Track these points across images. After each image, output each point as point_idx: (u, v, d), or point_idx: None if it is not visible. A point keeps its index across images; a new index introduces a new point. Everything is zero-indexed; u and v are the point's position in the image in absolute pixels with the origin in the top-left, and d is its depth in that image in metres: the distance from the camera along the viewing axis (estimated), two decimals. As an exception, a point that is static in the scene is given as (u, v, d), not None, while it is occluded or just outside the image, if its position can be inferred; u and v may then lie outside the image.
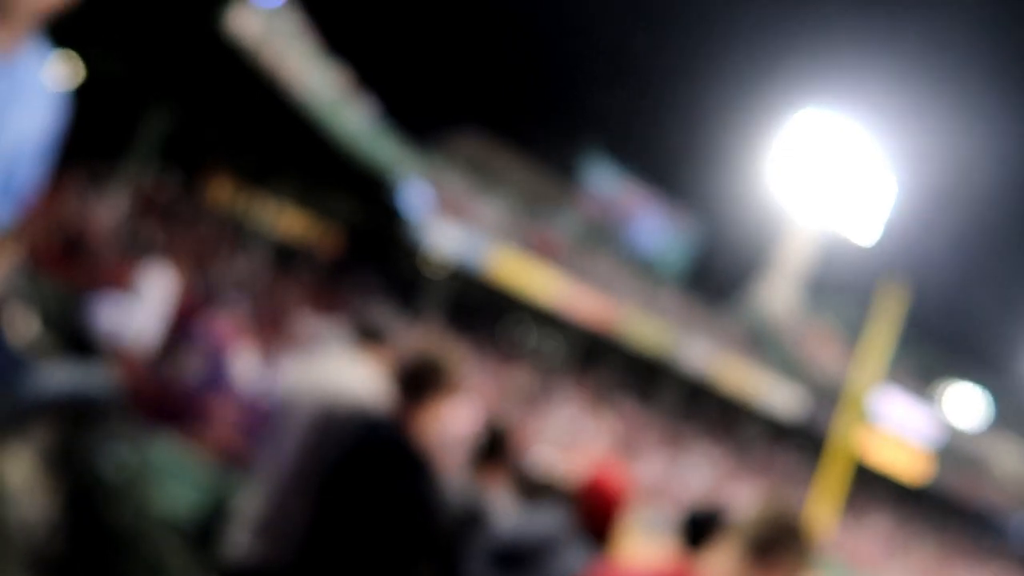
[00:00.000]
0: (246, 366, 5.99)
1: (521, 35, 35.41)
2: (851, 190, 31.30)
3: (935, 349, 35.40)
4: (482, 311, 25.86)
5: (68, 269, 8.74)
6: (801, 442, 30.83)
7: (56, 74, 1.40)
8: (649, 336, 25.18)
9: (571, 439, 21.14)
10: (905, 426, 30.74)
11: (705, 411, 29.43)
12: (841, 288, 34.79)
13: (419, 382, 1.96)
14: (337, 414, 2.12)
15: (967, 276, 33.94)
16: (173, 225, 14.75)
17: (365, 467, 1.93)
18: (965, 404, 36.18)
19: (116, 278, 8.57)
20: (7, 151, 1.13)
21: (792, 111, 30.84)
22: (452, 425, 2.14)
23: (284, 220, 22.89)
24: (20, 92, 1.14)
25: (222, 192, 22.36)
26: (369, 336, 2.35)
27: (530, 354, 25.86)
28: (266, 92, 12.95)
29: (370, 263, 23.07)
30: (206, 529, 3.42)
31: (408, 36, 31.75)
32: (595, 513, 1.83)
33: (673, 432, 26.26)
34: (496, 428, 2.43)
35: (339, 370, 2.27)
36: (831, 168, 30.85)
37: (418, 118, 23.82)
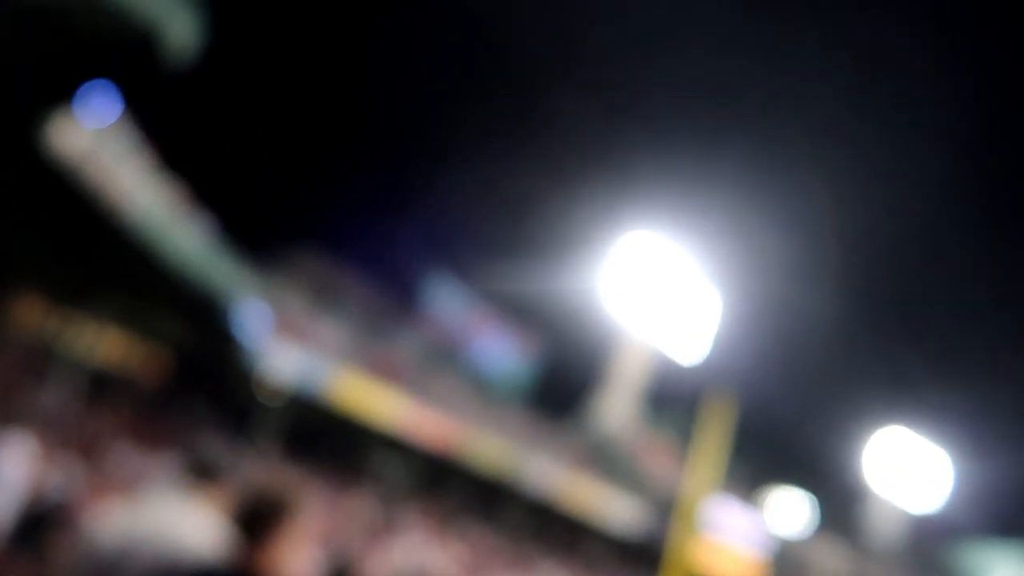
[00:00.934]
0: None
1: (361, 153, 35.94)
2: (678, 308, 33.33)
3: (761, 457, 37.52)
4: (322, 437, 24.66)
5: None
6: (644, 556, 31.13)
7: None
8: (493, 456, 24.94)
9: (417, 568, 20.10)
10: (736, 534, 31.88)
11: (551, 530, 29.19)
12: (675, 400, 36.49)
13: (259, 521, 1.79)
14: (176, 570, 1.87)
15: (790, 386, 36.60)
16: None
17: None
18: (791, 510, 38.35)
19: None
20: None
21: (622, 232, 32.82)
22: (296, 563, 1.90)
23: (103, 344, 21.14)
24: None
25: (30, 313, 20.45)
26: (201, 475, 2.17)
27: (373, 480, 24.79)
28: (87, 208, 12.16)
29: (200, 390, 21.57)
30: None
31: (246, 151, 31.33)
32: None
33: (520, 554, 25.72)
34: (340, 563, 2.24)
35: (172, 517, 2.03)
36: (659, 287, 32.83)
37: (255, 235, 23.23)
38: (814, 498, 39.70)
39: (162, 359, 23.12)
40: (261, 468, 16.84)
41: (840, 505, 41.34)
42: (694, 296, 33.69)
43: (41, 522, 4.96)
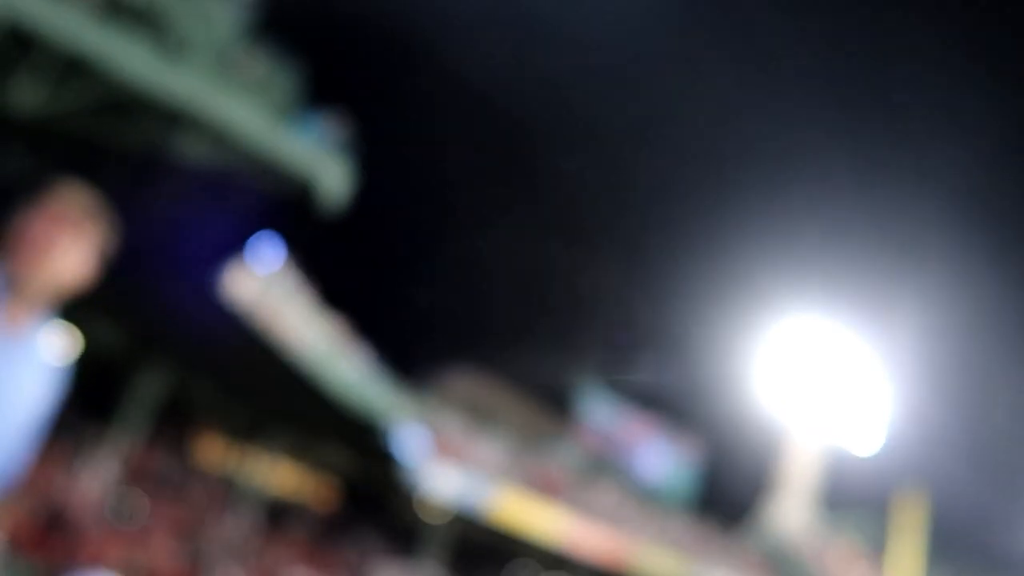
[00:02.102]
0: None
1: (504, 274, 36.98)
2: (847, 396, 31.19)
3: (966, 560, 33.56)
4: (486, 555, 24.50)
5: (48, 546, 8.30)
6: None
7: (58, 347, 1.38)
8: (664, 569, 23.74)
9: None
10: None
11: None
12: (855, 501, 33.60)
13: None
14: None
15: (988, 480, 32.97)
16: (162, 491, 14.31)
17: None
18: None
19: (98, 553, 8.14)
20: (9, 426, 1.11)
21: (781, 319, 31.38)
22: None
23: (277, 475, 22.29)
24: (24, 367, 1.14)
25: (212, 451, 21.97)
26: None
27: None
28: (260, 349, 13.15)
29: (367, 513, 22.17)
30: None
31: (399, 284, 33.06)
32: None
33: None
34: None
35: None
36: (824, 374, 30.93)
37: (411, 361, 24.10)
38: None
39: (331, 486, 24.03)
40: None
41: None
42: (864, 382, 31.44)
43: None
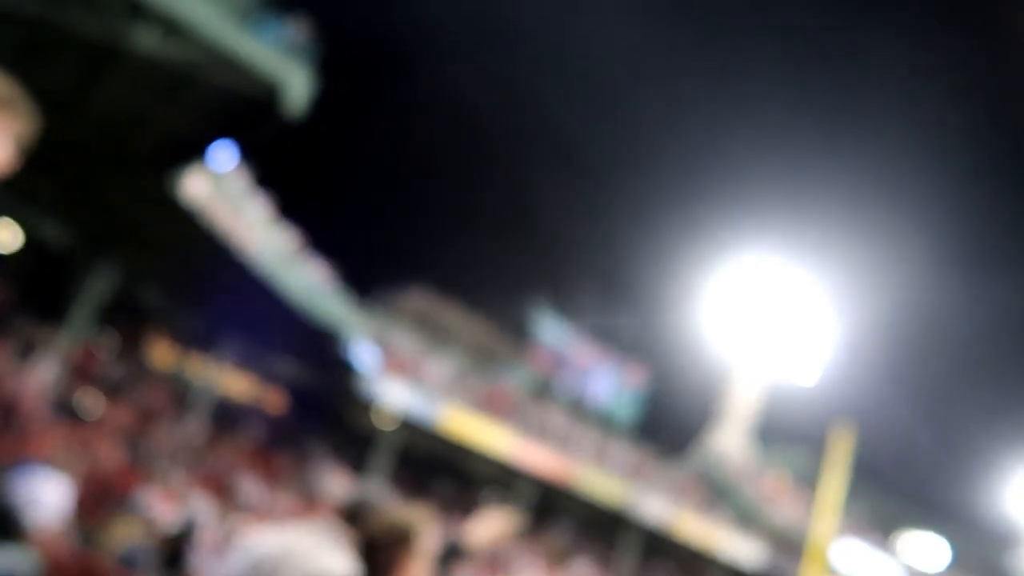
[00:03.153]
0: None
1: (462, 193, 36.75)
2: (792, 334, 32.05)
3: (891, 497, 35.41)
4: (434, 465, 25.11)
5: (-6, 440, 8.27)
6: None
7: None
8: (605, 489, 24.63)
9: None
10: (866, 572, 30.11)
11: (665, 564, 28.45)
12: (792, 437, 35.01)
13: (389, 551, 1.85)
14: None
15: (917, 418, 34.46)
16: (110, 391, 14.24)
17: None
18: (924, 552, 35.72)
19: (44, 451, 8.12)
20: None
21: (733, 256, 31.89)
22: None
23: (228, 381, 22.33)
24: None
25: (164, 354, 21.87)
26: (340, 513, 2.18)
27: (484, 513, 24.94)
28: (212, 251, 12.97)
29: (317, 421, 22.45)
30: None
31: (354, 197, 32.64)
32: None
33: (634, 592, 25.18)
34: None
35: (312, 541, 2.09)
36: (770, 311, 31.70)
37: (366, 279, 24.03)
38: (951, 539, 36.90)
39: (282, 393, 24.20)
40: (387, 499, 17.24)
41: (983, 546, 38.29)
42: (808, 319, 32.30)
43: (182, 542, 5.28)
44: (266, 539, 2.18)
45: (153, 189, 11.18)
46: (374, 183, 33.88)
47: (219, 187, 12.09)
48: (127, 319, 18.38)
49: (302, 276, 15.44)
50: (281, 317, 15.66)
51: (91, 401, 12.72)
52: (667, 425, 33.53)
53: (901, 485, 35.49)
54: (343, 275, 17.73)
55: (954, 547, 36.20)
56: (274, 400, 24.43)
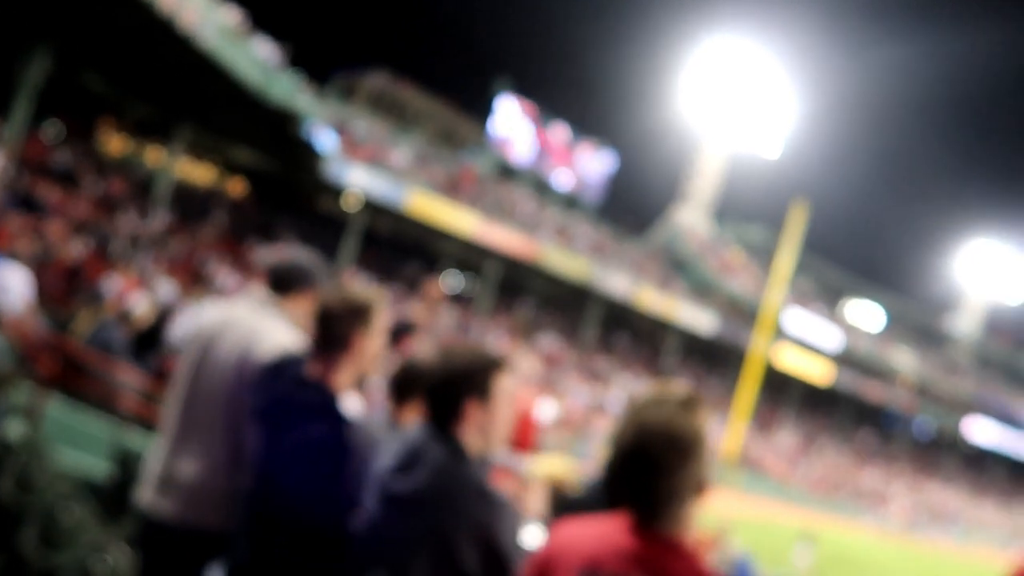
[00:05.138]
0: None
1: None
2: (755, 110, 32.11)
3: (838, 269, 37.33)
4: (400, 251, 25.69)
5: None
6: (717, 359, 32.20)
7: None
8: (569, 267, 25.48)
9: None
10: (811, 337, 32.43)
11: (625, 335, 30.24)
12: (748, 213, 36.10)
13: (343, 325, 1.88)
14: (253, 356, 2.03)
15: (868, 194, 35.37)
16: (64, 183, 14.04)
17: (288, 411, 1.83)
18: (863, 316, 38.41)
19: (3, 240, 8.18)
20: None
21: (697, 38, 31.06)
22: (373, 366, 2.07)
23: (187, 170, 22.02)
24: None
25: (116, 145, 21.33)
26: (285, 285, 2.24)
27: (449, 291, 25.92)
28: (159, 35, 12.29)
29: (282, 207, 22.52)
30: (116, 491, 3.39)
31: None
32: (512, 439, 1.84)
33: (595, 361, 26.93)
34: (411, 365, 2.33)
35: (258, 315, 2.17)
36: (736, 90, 31.50)
37: (324, 60, 23.05)
38: (891, 305, 39.54)
39: (244, 180, 24.02)
40: (342, 277, 17.78)
41: (918, 310, 41.16)
42: (772, 98, 32.23)
43: (158, 327, 5.48)
44: (210, 310, 2.32)
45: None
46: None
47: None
48: (74, 108, 17.72)
49: (253, 56, 14.75)
50: (233, 100, 15.16)
51: (46, 193, 12.59)
52: (631, 204, 34.15)
53: (849, 257, 37.23)
54: (298, 56, 16.98)
55: (890, 312, 38.89)
56: (236, 187, 24.28)
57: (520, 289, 27.84)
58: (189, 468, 2.08)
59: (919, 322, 40.68)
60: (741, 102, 31.74)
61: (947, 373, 38.50)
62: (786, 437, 30.86)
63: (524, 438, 3.36)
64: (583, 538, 1.25)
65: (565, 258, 25.40)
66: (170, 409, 2.19)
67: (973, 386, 38.71)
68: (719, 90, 31.46)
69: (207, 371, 2.13)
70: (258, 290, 2.28)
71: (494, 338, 23.27)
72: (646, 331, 31.31)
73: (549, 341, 25.75)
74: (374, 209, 22.16)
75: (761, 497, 24.30)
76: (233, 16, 14.67)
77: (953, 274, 42.85)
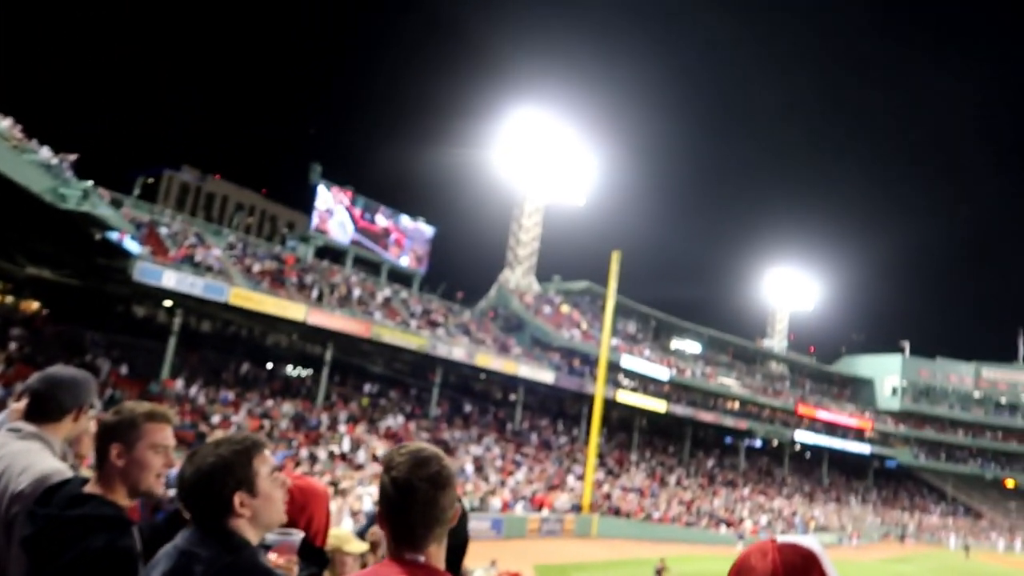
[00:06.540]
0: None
1: (227, 67, 34.15)
2: (564, 171, 34.67)
3: (661, 309, 40.21)
4: (223, 350, 24.59)
5: None
6: (563, 410, 33.09)
7: None
8: (404, 341, 25.26)
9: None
10: (645, 371, 34.54)
11: (473, 403, 30.36)
12: (569, 269, 38.24)
13: (101, 443, 1.90)
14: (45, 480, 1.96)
15: (677, 236, 38.20)
16: None
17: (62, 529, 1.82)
18: (689, 348, 42.00)
19: None
20: None
21: (503, 112, 32.88)
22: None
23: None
24: None
25: None
26: (42, 414, 2.17)
27: (283, 383, 25.09)
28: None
29: (88, 318, 21.06)
30: None
31: (112, 79, 29.37)
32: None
33: (443, 432, 26.82)
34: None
35: (19, 447, 2.08)
36: (543, 153, 33.85)
37: (122, 164, 22.23)
38: (712, 335, 43.08)
39: (42, 296, 22.34)
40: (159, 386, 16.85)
41: (738, 336, 44.99)
42: (576, 157, 34.95)
43: None
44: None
45: None
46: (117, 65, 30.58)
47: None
48: None
49: (36, 165, 13.99)
50: (19, 209, 14.29)
51: None
52: (459, 273, 34.87)
53: (670, 297, 40.09)
54: (90, 162, 16.27)
55: (711, 341, 42.99)
56: (31, 307, 22.48)
57: (359, 372, 27.43)
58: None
59: (737, 346, 44.92)
60: (550, 163, 34.08)
61: (768, 387, 42.44)
62: (637, 475, 31.90)
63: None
64: None
65: (400, 333, 25.32)
66: None
67: (791, 395, 43.16)
68: (529, 155, 33.59)
69: None
70: (16, 418, 2.20)
71: (337, 424, 22.68)
72: (491, 394, 31.69)
73: (394, 419, 25.38)
74: (194, 309, 21.23)
75: (619, 540, 24.86)
76: (7, 125, 13.96)
77: (762, 299, 48.42)
